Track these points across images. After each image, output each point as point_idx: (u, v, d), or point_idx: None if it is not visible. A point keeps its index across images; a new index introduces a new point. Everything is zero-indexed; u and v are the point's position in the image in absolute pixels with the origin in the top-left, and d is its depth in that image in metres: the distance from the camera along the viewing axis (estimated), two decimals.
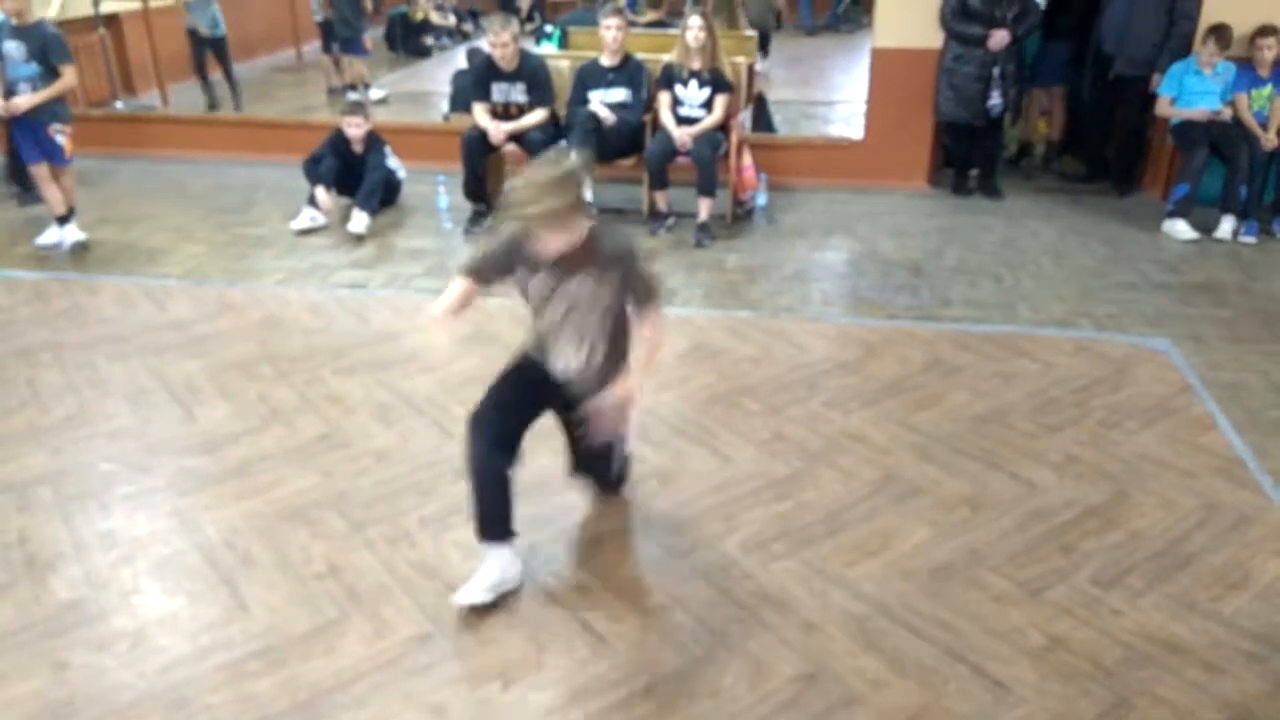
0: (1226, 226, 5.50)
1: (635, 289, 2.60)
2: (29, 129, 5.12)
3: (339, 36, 8.85)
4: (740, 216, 5.82)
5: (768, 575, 2.75)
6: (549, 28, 8.60)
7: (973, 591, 2.70)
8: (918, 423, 3.55)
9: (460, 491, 3.11)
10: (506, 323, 4.37)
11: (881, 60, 6.28)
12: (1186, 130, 5.67)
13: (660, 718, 2.27)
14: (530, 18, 12.75)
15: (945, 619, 2.59)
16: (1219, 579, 2.73)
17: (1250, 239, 5.47)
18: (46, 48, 5.03)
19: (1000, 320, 4.43)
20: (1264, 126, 5.54)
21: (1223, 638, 2.51)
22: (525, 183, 2.41)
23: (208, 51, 8.17)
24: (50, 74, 5.06)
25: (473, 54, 7.34)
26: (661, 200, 5.61)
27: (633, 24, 7.00)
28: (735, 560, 2.80)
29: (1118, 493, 3.13)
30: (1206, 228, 5.51)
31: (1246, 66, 5.60)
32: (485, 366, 3.95)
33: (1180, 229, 5.53)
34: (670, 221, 5.62)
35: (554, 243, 2.46)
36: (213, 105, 8.23)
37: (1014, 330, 4.32)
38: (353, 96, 8.23)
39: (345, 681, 2.38)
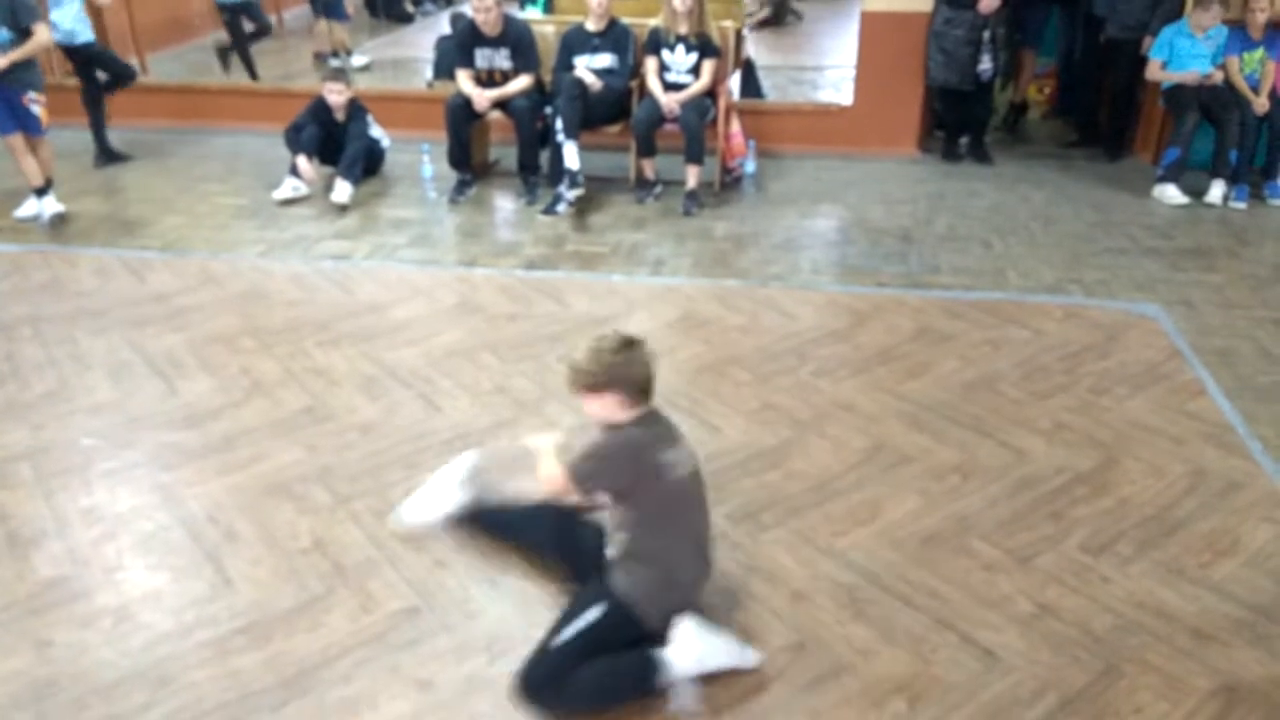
0: (1217, 191, 5.47)
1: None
2: (2, 99, 5.01)
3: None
4: (728, 184, 5.76)
5: (756, 545, 2.74)
6: None
7: (962, 559, 2.69)
8: (907, 391, 3.53)
9: (447, 463, 3.08)
10: (491, 294, 4.34)
11: (871, 24, 6.19)
12: (1177, 94, 5.62)
13: (642, 701, 2.26)
14: None
15: (934, 587, 2.58)
16: (1208, 545, 2.73)
17: (1241, 204, 5.44)
18: (14, 10, 4.91)
19: (990, 287, 4.41)
20: (1255, 90, 5.50)
21: (1212, 604, 2.51)
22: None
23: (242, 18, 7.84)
24: (22, 38, 4.95)
25: (456, 19, 7.21)
26: (649, 168, 5.54)
27: None
28: (724, 531, 2.78)
29: (1107, 459, 3.12)
30: (1197, 192, 5.48)
31: (1238, 29, 5.54)
32: (471, 338, 3.92)
33: (1170, 194, 5.50)
34: (658, 189, 5.56)
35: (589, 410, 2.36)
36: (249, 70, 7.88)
37: (1003, 297, 4.30)
38: (334, 63, 8.09)
39: (331, 657, 2.36)
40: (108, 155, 6.24)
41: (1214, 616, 2.47)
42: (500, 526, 2.73)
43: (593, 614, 2.25)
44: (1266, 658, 2.34)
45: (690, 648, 2.22)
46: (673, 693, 2.22)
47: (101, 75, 6.18)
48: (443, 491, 2.80)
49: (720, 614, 2.48)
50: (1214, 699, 2.22)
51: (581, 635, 2.23)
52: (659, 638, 2.25)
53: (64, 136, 6.02)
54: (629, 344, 2.31)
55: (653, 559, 2.31)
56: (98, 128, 6.22)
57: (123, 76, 6.28)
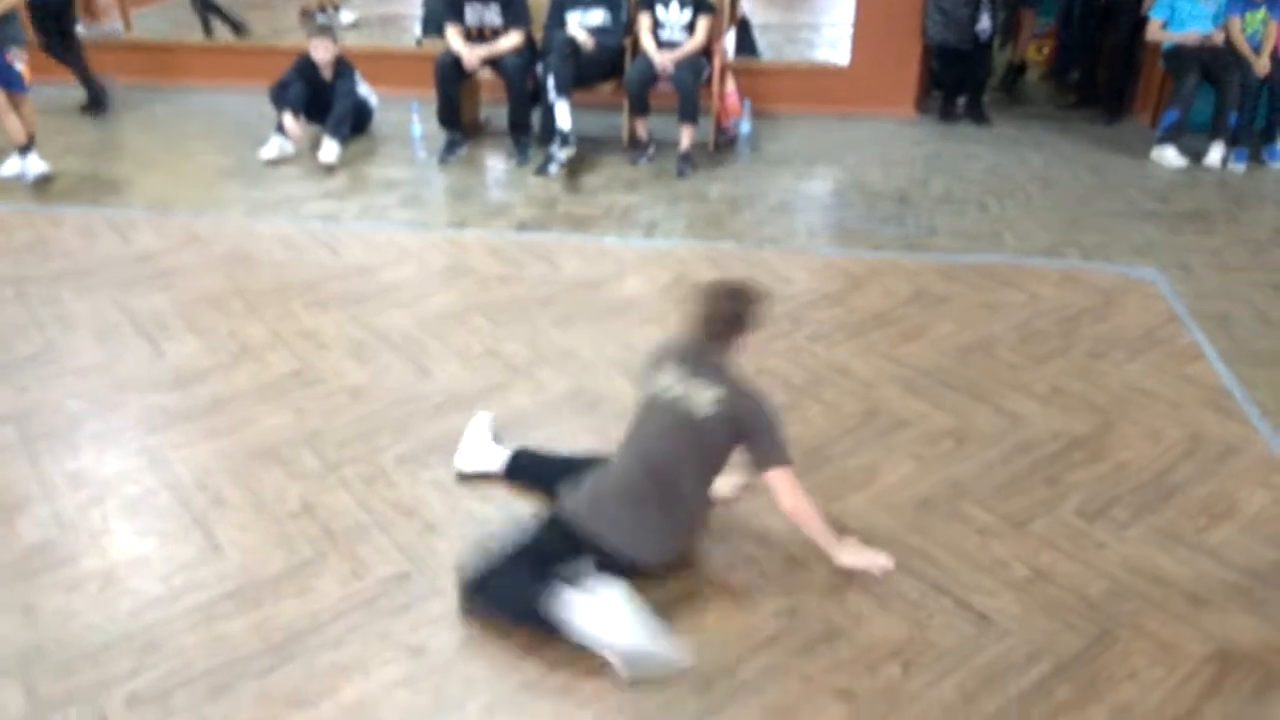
0: (1216, 153, 5.42)
1: None
2: None
3: None
4: (723, 145, 5.68)
5: (749, 510, 2.71)
6: None
7: (957, 524, 2.67)
8: (903, 355, 3.50)
9: (437, 429, 3.05)
10: (482, 256, 4.28)
11: None
12: (1178, 55, 5.54)
13: None
14: None
15: (929, 552, 2.57)
16: (1205, 510, 2.72)
17: (1240, 166, 5.39)
18: None
19: (987, 250, 4.36)
20: (1256, 51, 5.42)
21: (1208, 570, 2.50)
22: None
23: None
24: None
25: None
26: (641, 127, 5.46)
27: None
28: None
29: (1104, 424, 3.10)
30: (1196, 154, 5.42)
31: None
32: (461, 301, 3.87)
33: (1169, 156, 5.45)
34: (651, 151, 5.48)
35: None
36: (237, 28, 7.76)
37: (1000, 260, 4.25)
38: (320, 19, 7.92)
39: (321, 623, 2.34)
40: (98, 98, 6.18)
41: (1210, 582, 2.46)
42: (542, 474, 2.74)
43: (534, 523, 2.43)
44: (1261, 623, 2.33)
45: (600, 607, 2.20)
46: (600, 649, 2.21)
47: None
48: (482, 446, 2.86)
49: (714, 577, 2.47)
50: (1209, 665, 2.22)
51: (517, 539, 2.38)
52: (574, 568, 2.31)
53: (45, 94, 5.90)
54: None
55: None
56: (85, 73, 6.14)
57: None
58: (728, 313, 2.42)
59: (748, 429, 2.39)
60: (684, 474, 2.40)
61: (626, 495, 2.39)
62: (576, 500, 2.44)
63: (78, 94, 6.31)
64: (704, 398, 2.37)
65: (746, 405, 2.39)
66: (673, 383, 2.42)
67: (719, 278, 2.49)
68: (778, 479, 2.40)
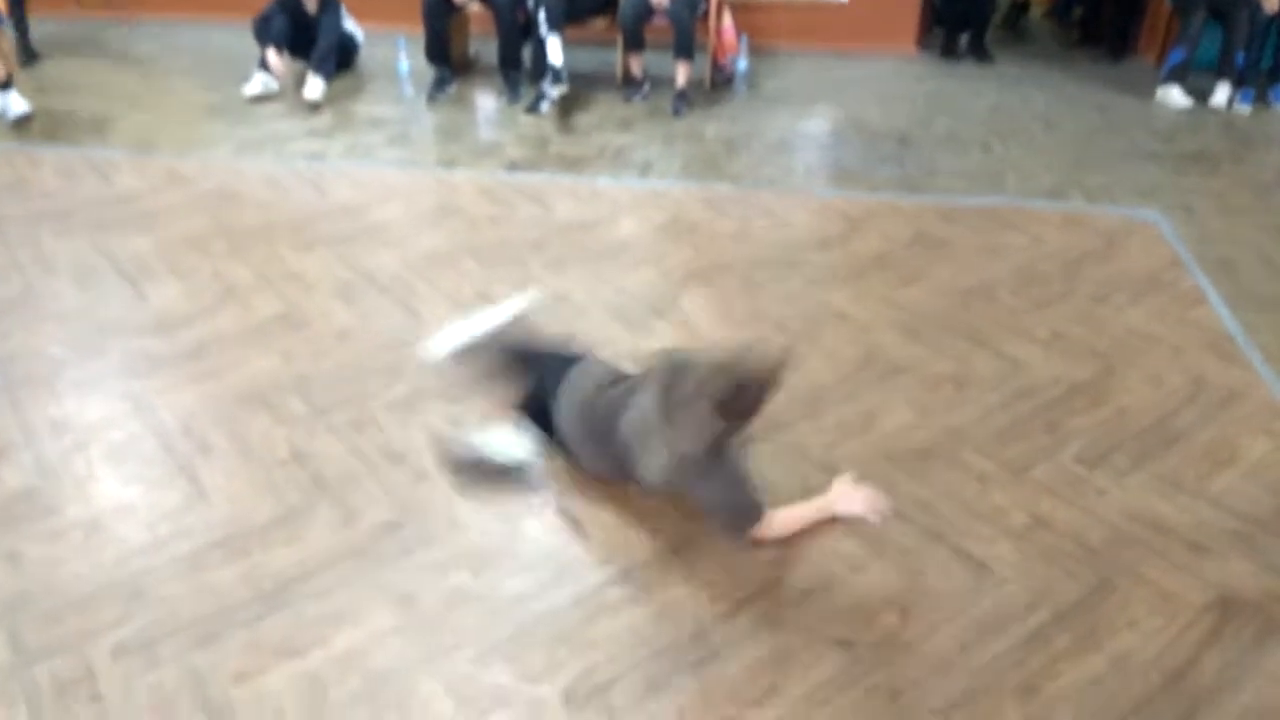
0: (1222, 94, 5.31)
1: None
2: None
3: None
4: (720, 83, 5.55)
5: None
6: None
7: (955, 471, 2.64)
8: (902, 299, 3.43)
9: (427, 373, 2.99)
10: (472, 196, 4.18)
11: None
12: None
13: (635, 604, 2.22)
14: None
15: (926, 500, 2.54)
16: (1206, 457, 2.68)
17: (1245, 107, 5.29)
18: None
19: (988, 191, 4.28)
20: None
21: (1209, 517, 2.47)
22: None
23: None
24: None
25: None
26: (635, 64, 5.31)
27: None
28: None
29: (1105, 369, 3.06)
30: (1202, 94, 5.31)
31: None
32: (451, 242, 3.78)
33: (1174, 96, 5.34)
34: (645, 88, 5.34)
35: None
36: None
37: (1002, 202, 4.17)
38: None
39: (310, 571, 2.30)
40: (30, 54, 5.88)
41: (1210, 529, 2.43)
42: (514, 360, 2.75)
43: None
44: (1262, 571, 2.31)
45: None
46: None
47: None
48: (476, 324, 2.91)
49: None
50: (1209, 613, 2.20)
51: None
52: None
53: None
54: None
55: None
56: (23, 24, 5.86)
57: None
58: (750, 404, 2.21)
59: (697, 503, 2.38)
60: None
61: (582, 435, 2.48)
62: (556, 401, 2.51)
63: (58, 31, 6.12)
64: (654, 462, 2.28)
65: (699, 491, 2.34)
66: (643, 416, 2.30)
67: (759, 360, 2.21)
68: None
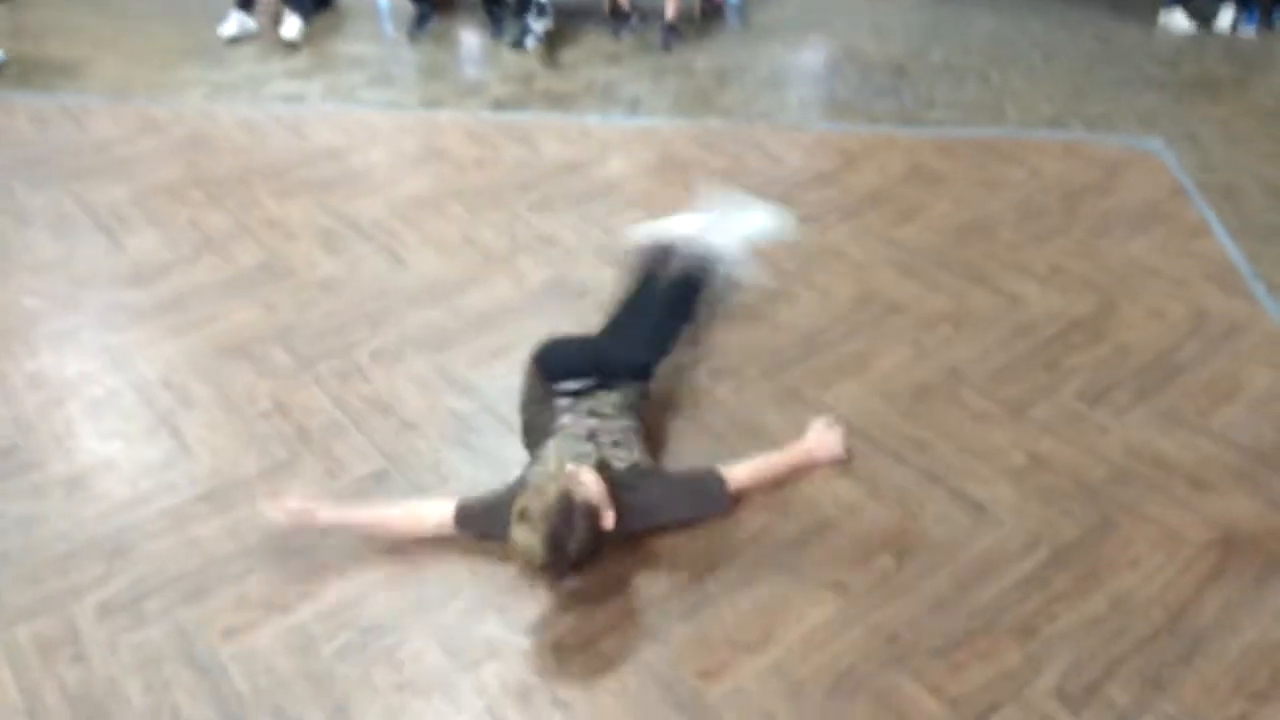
0: (1226, 17, 5.16)
1: None
2: None
3: None
4: (710, 14, 5.39)
5: (739, 401, 2.62)
6: None
7: (953, 411, 2.59)
8: (898, 236, 3.35)
9: (413, 322, 2.93)
10: (457, 138, 4.07)
11: None
12: None
13: (628, 553, 2.17)
14: None
15: (924, 440, 2.49)
16: (1208, 391, 2.63)
17: (1250, 30, 5.14)
18: None
19: (986, 123, 4.17)
20: None
21: (1211, 453, 2.43)
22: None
23: None
24: None
25: None
26: None
27: None
28: (706, 388, 2.66)
29: (1105, 304, 2.99)
30: (1205, 18, 5.16)
31: None
32: (436, 186, 3.69)
33: (1177, 20, 5.18)
34: (634, 21, 5.18)
35: None
36: None
37: (1000, 133, 4.06)
38: None
39: (298, 524, 2.26)
40: None
41: (1213, 465, 2.39)
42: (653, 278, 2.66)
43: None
44: (1265, 507, 2.27)
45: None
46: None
47: None
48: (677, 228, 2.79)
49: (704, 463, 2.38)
50: (1211, 550, 2.16)
51: None
52: None
53: None
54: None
55: None
56: None
57: None
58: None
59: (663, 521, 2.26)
60: None
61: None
62: None
63: None
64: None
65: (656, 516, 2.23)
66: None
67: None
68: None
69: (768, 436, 2.48)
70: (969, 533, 2.23)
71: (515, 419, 2.50)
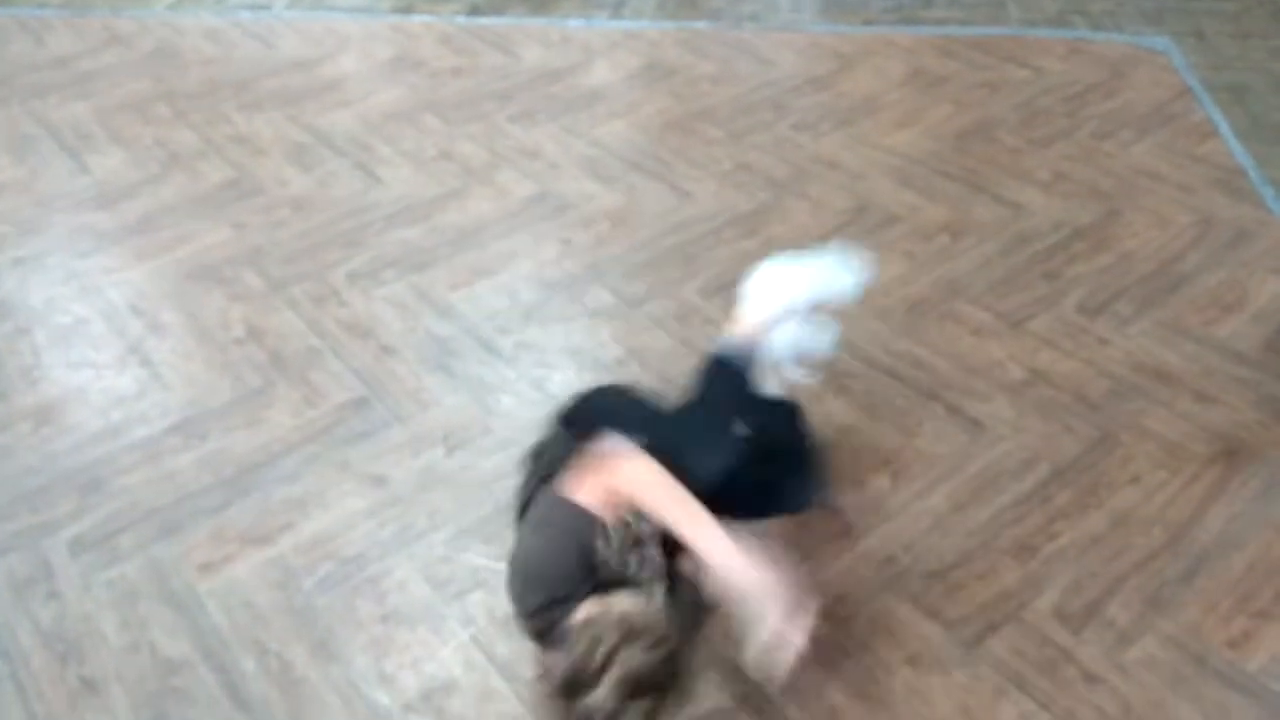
0: None
1: None
2: None
3: None
4: None
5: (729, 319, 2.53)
6: None
7: (950, 325, 2.51)
8: (895, 143, 3.22)
9: (390, 241, 2.82)
10: (432, 45, 3.88)
11: None
12: None
13: None
14: None
15: (920, 356, 2.41)
16: (1213, 300, 2.55)
17: None
18: None
19: (988, 21, 3.98)
20: None
21: (1215, 364, 2.36)
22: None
23: None
24: None
25: None
26: None
27: None
28: (696, 306, 2.57)
29: (1109, 211, 2.89)
30: None
31: None
32: (411, 98, 3.53)
33: None
34: None
35: None
36: None
37: (1002, 32, 3.89)
38: None
39: (274, 454, 2.19)
40: None
41: (1217, 377, 2.32)
42: None
43: None
44: (1270, 418, 2.21)
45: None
46: None
47: None
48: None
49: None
50: (1214, 465, 2.11)
51: None
52: None
53: None
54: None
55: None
56: None
57: None
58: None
59: None
60: None
61: None
62: None
63: None
64: None
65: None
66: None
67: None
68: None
69: None
70: (967, 450, 2.17)
71: (497, 339, 2.42)
